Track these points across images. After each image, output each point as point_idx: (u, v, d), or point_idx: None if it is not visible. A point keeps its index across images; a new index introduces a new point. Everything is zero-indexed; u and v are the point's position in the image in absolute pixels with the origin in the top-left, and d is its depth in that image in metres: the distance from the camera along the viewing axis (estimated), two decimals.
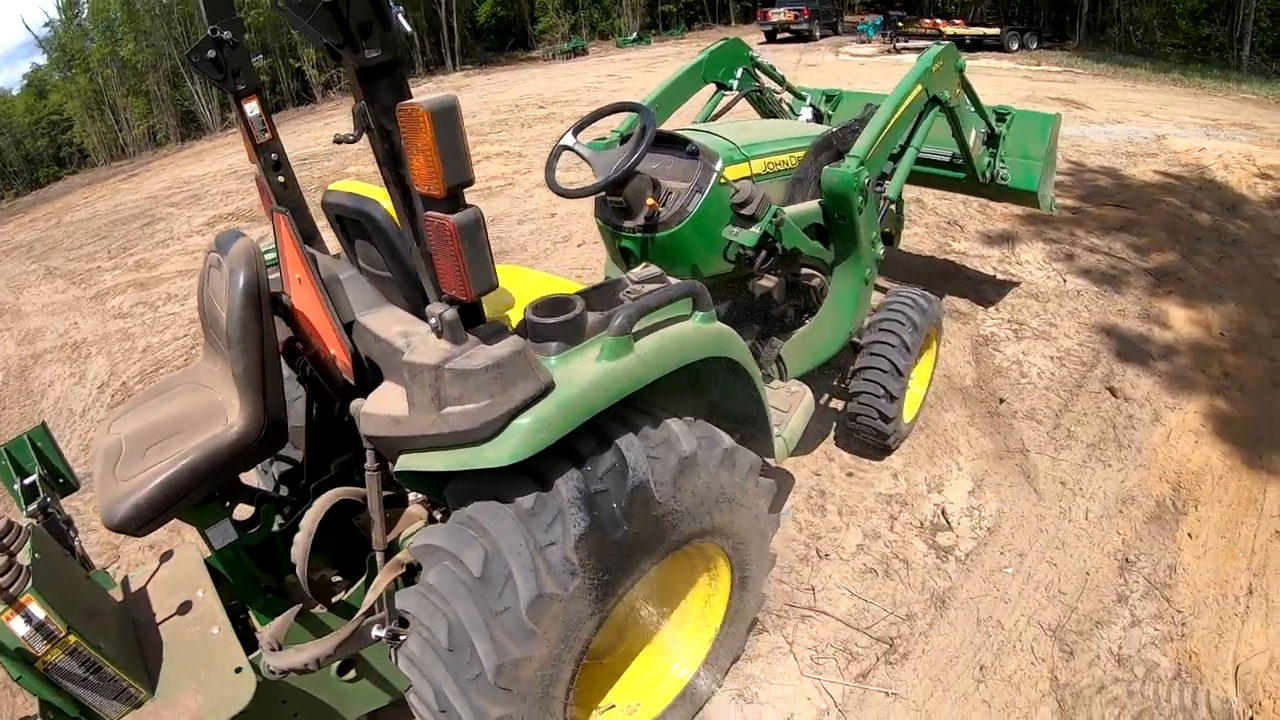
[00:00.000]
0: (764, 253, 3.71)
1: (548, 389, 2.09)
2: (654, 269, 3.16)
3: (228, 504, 2.77)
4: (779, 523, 3.42)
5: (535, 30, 50.74)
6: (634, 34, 44.36)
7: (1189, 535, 4.60)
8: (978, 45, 28.45)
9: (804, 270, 4.80)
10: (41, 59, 45.78)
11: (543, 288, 3.06)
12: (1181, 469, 5.11)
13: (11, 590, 1.86)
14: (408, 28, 1.87)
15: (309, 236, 3.04)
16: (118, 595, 2.63)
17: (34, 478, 2.72)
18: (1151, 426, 5.50)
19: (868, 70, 24.53)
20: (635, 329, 2.36)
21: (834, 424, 5.42)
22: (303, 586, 2.54)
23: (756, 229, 3.57)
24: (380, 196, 2.51)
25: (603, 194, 3.72)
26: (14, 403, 7.73)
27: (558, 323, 2.30)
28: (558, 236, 9.94)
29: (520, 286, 3.18)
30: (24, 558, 2.01)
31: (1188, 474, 5.07)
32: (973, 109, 5.48)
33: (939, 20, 31.40)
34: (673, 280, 2.91)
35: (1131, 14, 29.82)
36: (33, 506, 2.57)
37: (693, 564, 3.08)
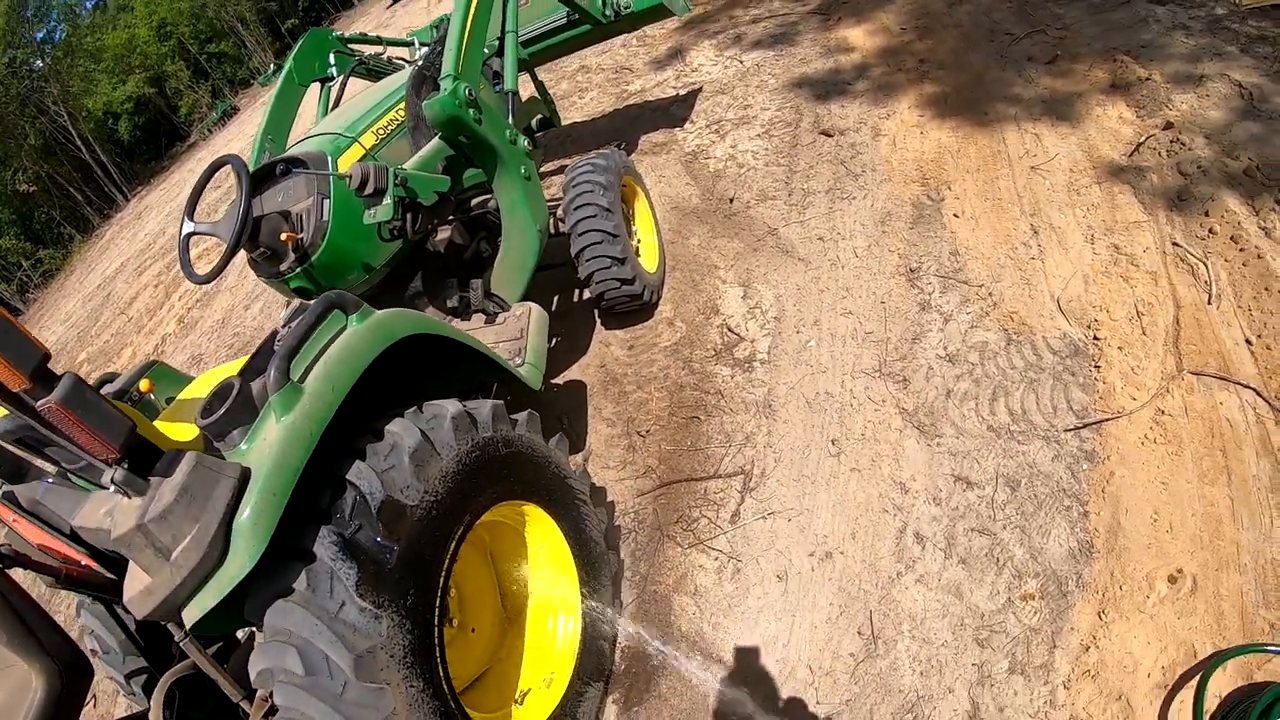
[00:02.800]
0: (409, 215, 3.55)
1: (245, 478, 2.06)
2: (296, 303, 3.02)
3: None
4: (564, 444, 3.09)
5: (181, 117, 47.14)
6: (271, 67, 41.45)
7: (955, 216, 4.35)
8: None
9: (474, 201, 4.50)
10: None
11: None
12: (920, 163, 4.86)
13: None
14: None
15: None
16: None
17: None
18: (875, 143, 5.24)
19: None
20: (298, 371, 2.29)
21: (595, 311, 4.91)
22: None
23: (388, 200, 3.40)
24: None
25: (247, 255, 3.58)
26: None
27: (225, 413, 2.26)
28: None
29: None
30: None
31: (928, 164, 4.81)
32: None
33: None
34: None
35: None
36: None
37: (509, 535, 3.04)
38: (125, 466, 2.03)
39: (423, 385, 2.87)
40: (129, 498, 2.07)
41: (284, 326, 2.81)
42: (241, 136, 28.13)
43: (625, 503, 3.76)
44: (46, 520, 2.67)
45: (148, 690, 3.08)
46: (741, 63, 7.18)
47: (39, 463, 2.78)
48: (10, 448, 2.76)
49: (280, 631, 2.10)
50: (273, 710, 2.21)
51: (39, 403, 1.87)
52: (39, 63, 41.06)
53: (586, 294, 4.44)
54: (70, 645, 2.35)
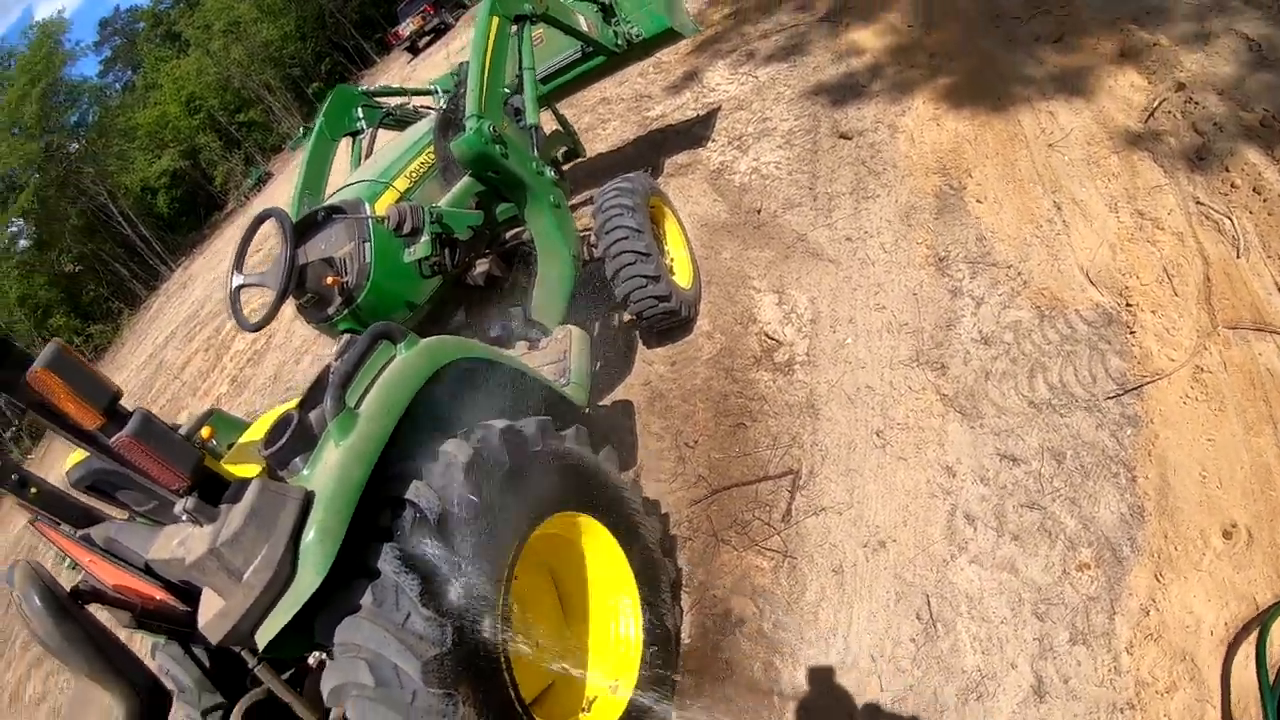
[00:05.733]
0: (446, 250, 3.76)
1: (309, 500, 2.17)
2: (345, 339, 3.19)
3: None
4: (614, 456, 3.21)
5: (217, 187, 48.49)
6: (300, 131, 42.38)
7: (978, 201, 4.39)
8: None
9: (508, 234, 4.65)
10: None
11: None
12: (939, 154, 4.92)
13: None
14: None
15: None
16: None
17: None
18: (894, 140, 5.30)
19: None
20: (353, 398, 2.43)
21: (635, 333, 5.05)
22: None
23: (425, 237, 3.62)
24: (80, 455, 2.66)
25: (295, 302, 3.72)
26: None
27: (286, 442, 2.43)
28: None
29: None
30: None
31: (947, 154, 4.87)
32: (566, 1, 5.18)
33: None
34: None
35: None
36: None
37: (565, 549, 3.09)
38: (196, 495, 2.12)
39: (477, 414, 3.00)
40: (200, 525, 2.17)
41: (335, 361, 2.95)
42: (277, 200, 28.62)
43: (679, 512, 3.84)
44: (122, 557, 2.79)
45: None
46: (756, 78, 7.29)
47: (109, 508, 2.97)
48: (81, 496, 2.92)
49: (350, 646, 2.19)
50: None
51: (113, 439, 1.96)
52: (74, 146, 42.72)
53: (627, 316, 4.57)
54: (148, 673, 2.50)
